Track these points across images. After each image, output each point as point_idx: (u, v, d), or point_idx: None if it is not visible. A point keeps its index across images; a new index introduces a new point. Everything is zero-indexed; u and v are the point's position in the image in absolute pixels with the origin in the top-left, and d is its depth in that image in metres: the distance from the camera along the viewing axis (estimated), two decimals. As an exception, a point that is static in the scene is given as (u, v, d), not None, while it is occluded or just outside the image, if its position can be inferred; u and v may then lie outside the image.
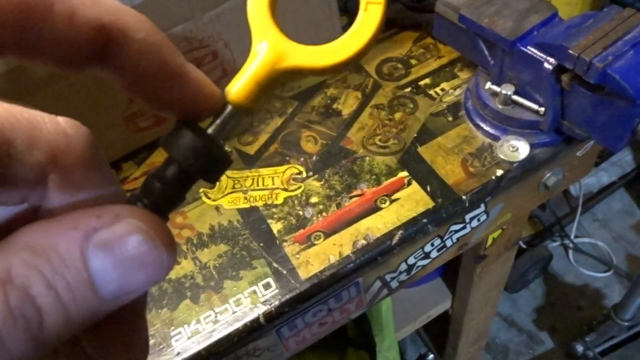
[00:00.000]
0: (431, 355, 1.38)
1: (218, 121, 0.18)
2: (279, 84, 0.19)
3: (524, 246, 1.45)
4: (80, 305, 0.14)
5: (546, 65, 0.50)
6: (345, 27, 0.72)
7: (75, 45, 0.15)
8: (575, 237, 1.58)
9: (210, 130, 0.18)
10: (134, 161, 0.64)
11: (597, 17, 0.48)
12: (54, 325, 0.13)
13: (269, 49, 0.18)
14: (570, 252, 1.57)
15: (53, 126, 0.14)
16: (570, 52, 0.46)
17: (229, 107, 0.18)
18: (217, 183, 0.60)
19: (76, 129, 0.15)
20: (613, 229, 1.61)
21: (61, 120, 0.15)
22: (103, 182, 0.16)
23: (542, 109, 0.53)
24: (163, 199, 0.17)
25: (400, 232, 0.53)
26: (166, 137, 0.17)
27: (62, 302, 0.13)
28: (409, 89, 0.65)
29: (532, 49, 0.51)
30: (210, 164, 0.17)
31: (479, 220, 0.59)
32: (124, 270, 0.14)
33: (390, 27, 0.73)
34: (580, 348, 1.27)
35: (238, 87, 0.18)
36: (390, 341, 0.91)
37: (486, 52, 0.56)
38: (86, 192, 0.15)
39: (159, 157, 0.64)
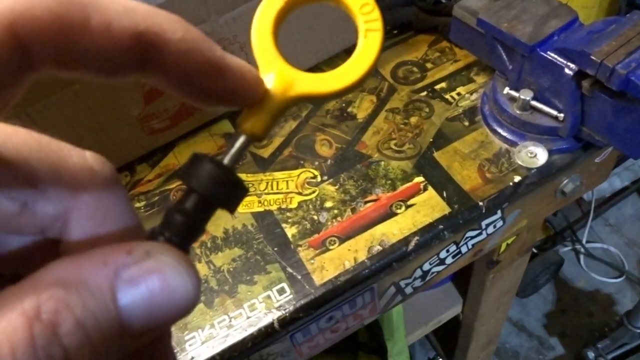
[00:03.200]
0: (440, 360, 1.37)
1: (232, 151, 0.18)
2: (288, 110, 0.20)
3: (535, 251, 1.44)
4: (108, 344, 0.13)
5: (567, 70, 0.49)
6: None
7: (114, 54, 0.15)
8: (587, 242, 1.56)
9: (226, 160, 0.18)
10: (148, 163, 0.64)
11: (619, 23, 0.47)
12: None
13: (276, 80, 0.19)
14: (582, 257, 1.56)
15: (79, 161, 0.15)
16: (593, 58, 0.45)
17: (243, 138, 0.18)
18: (231, 186, 0.60)
19: (102, 165, 0.15)
20: (625, 234, 1.60)
21: (88, 155, 0.15)
22: (124, 216, 0.16)
23: (562, 115, 0.53)
24: (185, 231, 0.17)
25: (416, 238, 0.52)
26: (183, 168, 0.17)
27: (90, 341, 0.13)
28: (424, 93, 0.65)
29: (553, 54, 0.50)
30: (230, 193, 0.17)
31: (495, 226, 0.58)
32: (153, 307, 0.14)
33: (405, 30, 0.73)
34: (591, 355, 1.26)
35: (250, 118, 0.18)
36: (401, 346, 0.90)
37: (504, 56, 0.55)
38: (108, 226, 0.15)
39: (173, 159, 0.64)
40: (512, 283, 0.95)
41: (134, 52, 0.15)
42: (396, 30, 0.73)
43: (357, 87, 0.19)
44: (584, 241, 1.55)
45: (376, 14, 0.19)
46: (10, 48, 0.13)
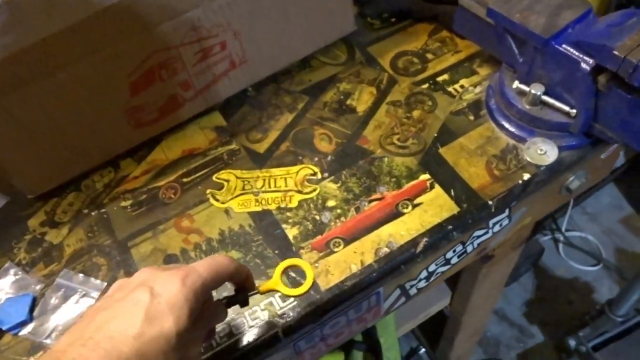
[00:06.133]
0: (423, 350, 1.37)
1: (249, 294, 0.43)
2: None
3: (516, 240, 1.44)
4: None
5: (583, 65, 0.47)
6: (356, 17, 0.68)
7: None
8: (566, 230, 1.58)
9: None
10: (133, 158, 0.60)
11: (639, 16, 0.45)
12: None
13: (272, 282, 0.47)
14: (561, 245, 1.57)
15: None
16: (616, 53, 0.43)
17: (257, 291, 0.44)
18: (225, 184, 0.56)
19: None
20: (602, 222, 1.62)
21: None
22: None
23: (574, 110, 0.51)
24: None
25: (425, 239, 0.50)
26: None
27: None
28: (426, 85, 0.62)
29: (568, 48, 0.48)
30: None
31: (501, 225, 0.57)
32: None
33: (404, 18, 0.70)
34: (572, 342, 1.28)
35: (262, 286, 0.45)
36: (392, 341, 0.89)
37: (515, 49, 0.53)
38: None
39: (160, 154, 0.60)
40: (503, 276, 0.95)
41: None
42: (394, 19, 0.70)
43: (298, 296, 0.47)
44: (563, 230, 1.57)
45: (312, 277, 0.48)
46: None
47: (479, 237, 0.56)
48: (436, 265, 0.55)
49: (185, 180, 0.57)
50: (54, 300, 0.49)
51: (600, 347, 1.24)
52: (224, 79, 0.60)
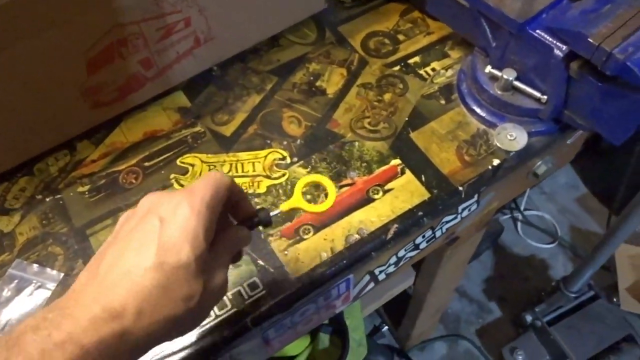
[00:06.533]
0: (386, 327, 1.39)
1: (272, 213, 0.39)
2: None
3: (478, 219, 1.47)
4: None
5: (556, 51, 0.47)
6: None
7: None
8: (524, 209, 1.62)
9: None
10: (90, 141, 0.56)
11: (614, 3, 0.45)
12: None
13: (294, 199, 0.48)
14: (519, 224, 1.62)
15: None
16: (590, 40, 0.43)
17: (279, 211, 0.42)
18: (190, 168, 0.54)
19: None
20: (558, 202, 1.67)
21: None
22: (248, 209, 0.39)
23: (545, 97, 0.51)
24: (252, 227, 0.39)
25: (396, 225, 0.49)
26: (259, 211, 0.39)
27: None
28: (397, 68, 0.61)
29: (542, 33, 0.47)
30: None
31: (469, 210, 0.57)
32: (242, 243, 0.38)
33: (374, -3, 0.68)
34: (529, 318, 1.32)
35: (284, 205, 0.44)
36: (357, 322, 0.89)
37: (489, 33, 0.52)
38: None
39: (120, 136, 0.57)
40: (467, 256, 0.96)
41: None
42: (365, -3, 0.68)
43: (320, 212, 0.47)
44: (522, 208, 1.61)
45: (334, 193, 0.47)
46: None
47: (448, 222, 0.56)
48: (405, 250, 0.55)
49: (147, 164, 0.55)
50: (6, 293, 0.46)
51: (554, 321, 1.29)
52: (189, 57, 0.57)
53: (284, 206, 0.44)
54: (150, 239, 0.31)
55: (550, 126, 0.53)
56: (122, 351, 0.28)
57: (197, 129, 0.57)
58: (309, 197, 0.47)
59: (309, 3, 0.62)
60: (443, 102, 0.57)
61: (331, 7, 0.66)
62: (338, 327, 0.78)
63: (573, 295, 1.25)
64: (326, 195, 0.46)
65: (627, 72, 0.42)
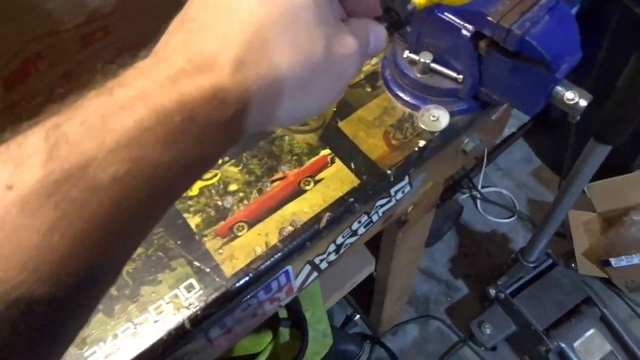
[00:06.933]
0: (357, 316, 1.41)
1: (409, 9, 0.33)
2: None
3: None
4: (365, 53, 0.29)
5: (464, 32, 0.48)
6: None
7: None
8: (482, 187, 1.66)
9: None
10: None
11: (512, -19, 0.47)
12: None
13: None
14: (478, 202, 1.66)
15: None
16: (489, 19, 0.44)
17: (412, 5, 0.33)
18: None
19: None
20: (514, 176, 1.72)
21: None
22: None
23: (461, 76, 0.52)
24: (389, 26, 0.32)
25: (328, 214, 0.50)
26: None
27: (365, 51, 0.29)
28: (323, 59, 0.62)
29: (450, 16, 0.49)
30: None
31: (403, 192, 0.58)
32: (375, 44, 0.30)
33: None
34: (492, 291, 1.36)
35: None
36: (320, 313, 0.90)
37: (402, 18, 0.54)
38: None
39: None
40: (421, 238, 0.99)
41: None
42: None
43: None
44: (479, 187, 1.65)
45: None
46: None
47: (382, 205, 0.57)
48: (343, 237, 0.56)
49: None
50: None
51: (517, 292, 1.33)
52: (112, 66, 0.57)
53: None
54: None
55: (471, 104, 0.55)
56: (216, 117, 0.21)
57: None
58: None
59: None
60: (369, 89, 0.59)
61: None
62: (297, 320, 0.79)
63: (532, 265, 1.30)
64: None
65: (527, 47, 0.44)
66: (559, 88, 0.47)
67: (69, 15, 0.50)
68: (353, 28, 0.27)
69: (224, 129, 0.22)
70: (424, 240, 1.02)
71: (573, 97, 0.46)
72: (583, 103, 0.46)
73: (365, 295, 1.28)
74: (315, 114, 0.27)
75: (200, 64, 0.21)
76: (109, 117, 0.20)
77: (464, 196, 1.66)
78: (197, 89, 0.20)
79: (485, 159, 1.61)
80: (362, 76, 0.60)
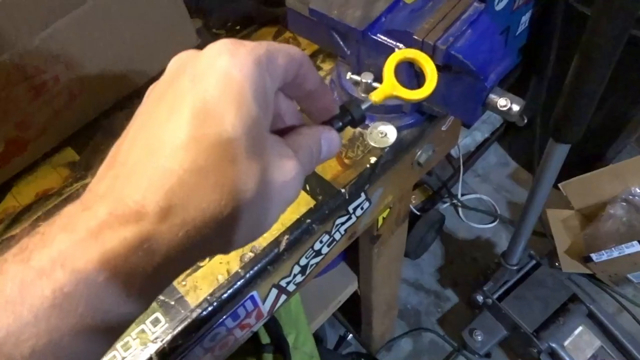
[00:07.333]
0: (350, 335, 1.41)
1: (365, 106, 0.33)
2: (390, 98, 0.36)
3: (417, 213, 1.52)
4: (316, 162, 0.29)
5: (397, 51, 0.51)
6: (201, 30, 0.69)
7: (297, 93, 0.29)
8: (462, 195, 1.68)
9: (363, 107, 0.33)
10: (-18, 210, 0.57)
11: (435, 0, 0.50)
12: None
13: (388, 87, 0.36)
14: (460, 209, 1.68)
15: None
16: (415, 37, 0.47)
17: (369, 102, 0.34)
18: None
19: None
20: (493, 181, 1.74)
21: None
22: (331, 106, 0.31)
23: (402, 92, 0.54)
24: (341, 127, 0.32)
25: (287, 237, 0.52)
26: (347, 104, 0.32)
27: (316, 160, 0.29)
28: (274, 88, 0.64)
29: (382, 37, 0.51)
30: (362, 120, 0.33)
31: (362, 208, 0.60)
32: (328, 154, 0.29)
33: (248, 24, 0.71)
34: (480, 298, 1.37)
35: (375, 96, 0.34)
36: (305, 335, 0.91)
37: (341, 43, 0.56)
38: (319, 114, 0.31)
39: (12, 201, 0.57)
40: (398, 250, 1.00)
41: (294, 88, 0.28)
42: (239, 26, 0.71)
43: (423, 100, 0.37)
44: (459, 195, 1.67)
45: (434, 71, 0.37)
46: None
47: (343, 224, 0.59)
48: (307, 258, 0.58)
49: (42, 224, 0.55)
50: None
51: (504, 296, 1.34)
52: (67, 112, 0.58)
53: (376, 95, 0.34)
54: (180, 104, 0.22)
55: (417, 118, 0.57)
56: (143, 268, 0.20)
57: (87, 180, 0.58)
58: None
59: (181, 41, 0.64)
60: (320, 112, 0.61)
61: (207, 40, 0.68)
62: (279, 344, 0.79)
63: (515, 267, 1.31)
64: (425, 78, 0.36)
65: (454, 60, 0.46)
66: (492, 96, 0.49)
67: (14, 73, 0.52)
68: (301, 140, 0.27)
69: (149, 279, 0.21)
70: (402, 251, 1.03)
71: (505, 103, 0.48)
72: (516, 108, 0.48)
73: (356, 314, 1.28)
74: (256, 239, 0.26)
75: (125, 213, 0.20)
76: (28, 285, 0.19)
77: (444, 205, 1.68)
78: (121, 242, 0.20)
79: (461, 167, 1.64)
80: (313, 100, 0.62)
